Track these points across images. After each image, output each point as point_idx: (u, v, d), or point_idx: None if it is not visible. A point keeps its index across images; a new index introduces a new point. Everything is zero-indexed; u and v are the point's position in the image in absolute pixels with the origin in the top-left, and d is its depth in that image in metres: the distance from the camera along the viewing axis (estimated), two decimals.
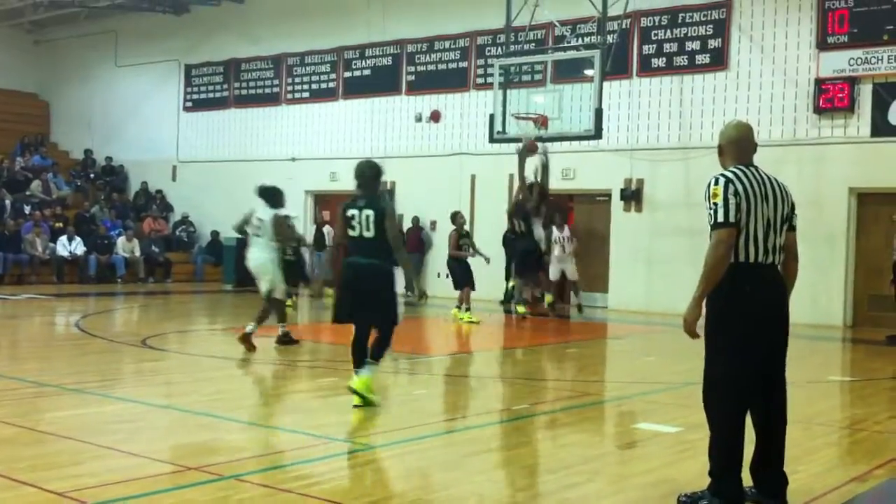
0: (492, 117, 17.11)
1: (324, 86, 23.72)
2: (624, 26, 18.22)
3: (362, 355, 7.65)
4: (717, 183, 4.86)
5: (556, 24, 18.34)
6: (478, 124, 20.09)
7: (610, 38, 16.78)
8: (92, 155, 28.31)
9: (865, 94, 16.37)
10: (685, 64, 18.29)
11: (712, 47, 18.00)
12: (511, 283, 17.02)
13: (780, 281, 5.02)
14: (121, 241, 23.52)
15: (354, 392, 7.49)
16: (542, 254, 15.98)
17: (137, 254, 23.53)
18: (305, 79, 24.09)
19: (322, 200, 23.49)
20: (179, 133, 26.70)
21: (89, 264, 22.56)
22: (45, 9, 27.49)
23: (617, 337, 15.21)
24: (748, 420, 5.04)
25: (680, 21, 18.40)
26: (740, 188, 4.82)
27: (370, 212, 7.57)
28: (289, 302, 17.04)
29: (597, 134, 16.14)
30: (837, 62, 16.53)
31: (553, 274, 18.16)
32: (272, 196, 11.56)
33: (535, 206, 15.27)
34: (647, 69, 18.74)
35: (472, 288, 16.13)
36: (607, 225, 19.24)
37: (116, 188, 27.40)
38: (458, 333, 14.79)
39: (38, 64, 29.79)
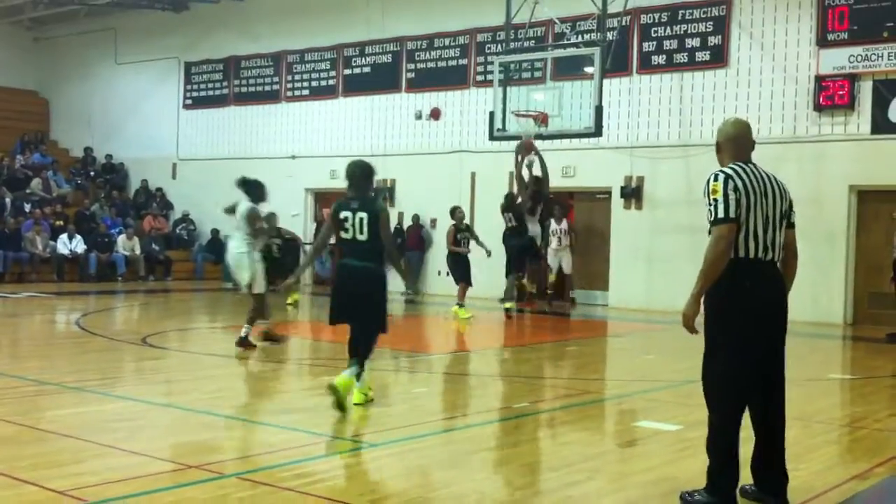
0: (492, 115, 17.12)
1: (324, 83, 23.71)
2: (624, 23, 18.21)
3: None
4: (716, 179, 4.87)
5: (556, 21, 18.34)
6: (478, 122, 20.09)
7: (610, 36, 16.78)
8: (92, 153, 28.31)
9: (865, 91, 16.37)
10: (685, 61, 18.29)
11: (712, 44, 18.00)
12: (522, 282, 16.98)
13: (779, 277, 5.03)
14: (121, 239, 23.52)
15: (338, 384, 7.23)
16: (538, 249, 15.91)
17: (138, 252, 23.52)
18: (305, 76, 24.08)
19: (322, 198, 23.49)
20: (179, 131, 26.69)
21: (90, 262, 22.56)
22: (45, 6, 27.50)
23: (617, 335, 15.22)
24: (746, 420, 5.05)
25: (680, 18, 18.40)
26: (740, 184, 4.82)
27: (364, 214, 7.46)
28: (290, 300, 17.08)
29: (597, 131, 16.14)
30: (837, 59, 16.52)
31: (552, 265, 18.29)
32: (252, 189, 11.30)
33: (531, 203, 15.16)
34: (647, 66, 18.73)
35: (469, 284, 16.09)
36: (607, 223, 19.24)
37: (116, 186, 27.40)
38: (458, 331, 14.80)
39: (37, 61, 29.77)
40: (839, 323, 16.39)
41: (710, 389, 4.98)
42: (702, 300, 4.88)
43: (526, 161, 15.57)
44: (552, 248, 17.98)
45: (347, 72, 23.25)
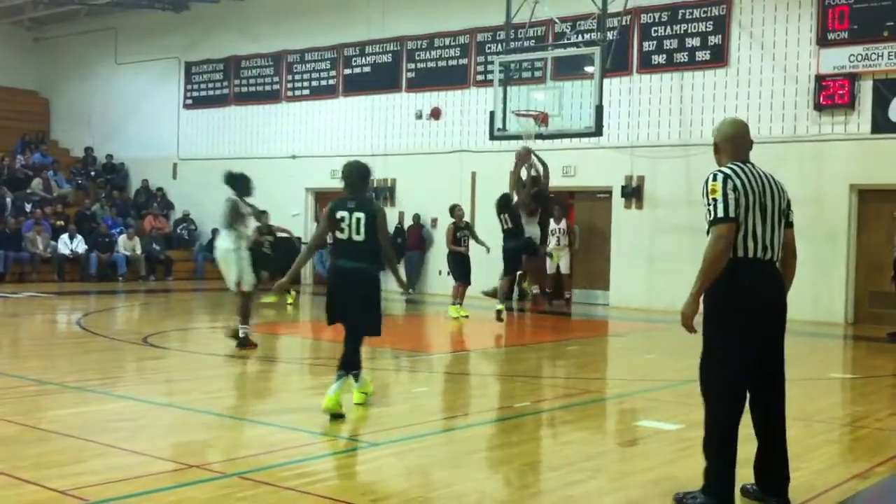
0: (492, 114, 17.11)
1: (324, 83, 23.72)
2: (624, 23, 18.21)
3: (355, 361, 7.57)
4: (714, 179, 4.86)
5: (557, 20, 18.34)
6: (478, 121, 20.09)
7: (610, 35, 16.77)
8: (92, 153, 28.31)
9: (866, 91, 16.37)
10: (685, 60, 18.29)
11: (712, 44, 18.00)
12: (524, 283, 16.87)
13: (778, 277, 5.02)
14: (122, 239, 23.53)
15: (326, 407, 7.09)
16: (536, 248, 15.62)
17: (138, 252, 23.53)
18: (305, 76, 24.08)
19: (322, 198, 23.45)
20: (180, 130, 26.69)
21: (90, 262, 22.56)
22: (45, 6, 27.51)
23: (618, 334, 15.22)
24: (747, 419, 5.04)
25: (680, 17, 18.40)
26: (738, 184, 4.82)
27: (361, 214, 7.33)
28: (290, 299, 17.06)
29: (597, 131, 16.13)
30: (838, 59, 16.52)
31: (549, 266, 18.25)
32: (237, 183, 11.05)
33: (526, 204, 14.93)
34: (647, 66, 18.74)
35: (468, 283, 16.05)
36: (608, 222, 19.24)
37: (117, 186, 27.41)
38: (458, 331, 14.80)
39: (38, 61, 29.78)
40: (840, 322, 16.39)
41: (708, 389, 4.96)
42: (701, 299, 4.88)
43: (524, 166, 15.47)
44: (551, 247, 17.97)
45: (348, 71, 23.25)
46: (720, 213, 4.78)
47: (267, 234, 17.06)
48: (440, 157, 21.38)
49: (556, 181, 19.53)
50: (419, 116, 21.81)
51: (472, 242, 16.54)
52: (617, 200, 19.06)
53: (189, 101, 26.58)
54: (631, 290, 18.63)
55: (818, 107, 16.68)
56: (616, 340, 14.57)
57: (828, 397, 9.54)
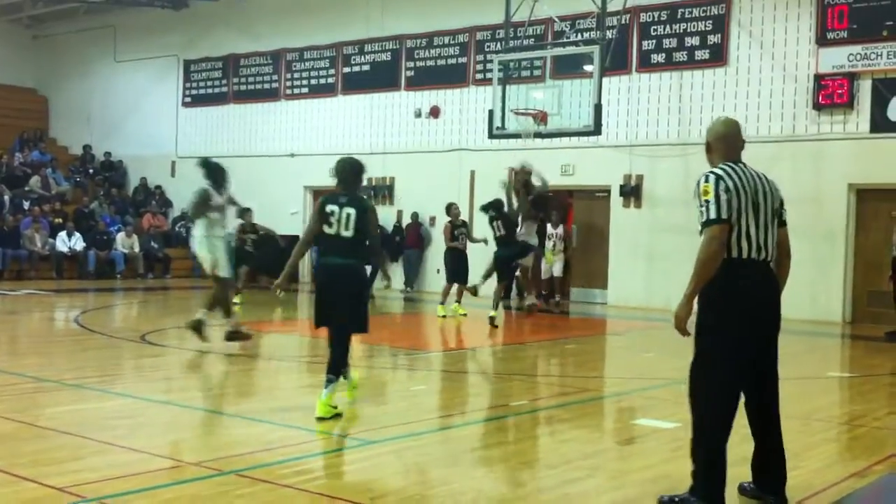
0: (491, 113, 17.11)
1: (323, 81, 23.71)
2: (623, 22, 18.20)
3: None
4: (707, 180, 4.83)
5: (556, 19, 18.34)
6: (477, 120, 20.08)
7: (609, 34, 16.75)
8: (91, 150, 28.29)
9: (865, 90, 16.37)
10: (684, 60, 18.29)
11: (711, 43, 18.00)
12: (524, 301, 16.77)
13: (772, 277, 4.99)
14: (120, 236, 23.52)
15: (321, 414, 7.00)
16: (528, 248, 15.24)
17: (137, 249, 23.52)
18: (304, 74, 24.07)
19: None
20: (178, 128, 26.68)
21: (88, 260, 22.56)
22: (44, 4, 27.51)
23: (616, 333, 15.23)
24: (744, 419, 5.03)
25: (679, 17, 18.40)
26: (731, 185, 4.79)
27: (351, 210, 7.24)
28: (237, 299, 16.89)
29: (596, 130, 16.12)
30: (837, 58, 16.53)
31: (544, 270, 18.21)
32: (211, 173, 10.87)
33: (527, 211, 14.80)
34: (646, 65, 18.74)
35: (465, 282, 16.01)
36: (606, 221, 19.25)
37: (115, 184, 27.39)
38: (457, 329, 14.80)
39: (36, 59, 29.77)
40: (838, 321, 16.40)
41: (699, 390, 4.90)
42: (694, 301, 4.85)
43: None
44: (547, 250, 17.90)
45: (347, 70, 23.25)
46: (713, 215, 4.75)
47: (250, 232, 16.98)
48: (439, 155, 21.38)
49: (555, 180, 19.56)
50: (418, 115, 21.79)
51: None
52: (615, 199, 19.07)
53: (188, 99, 26.57)
54: (629, 288, 18.63)
55: (817, 106, 16.68)
56: (614, 339, 14.57)
57: (826, 396, 9.55)
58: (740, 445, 5.15)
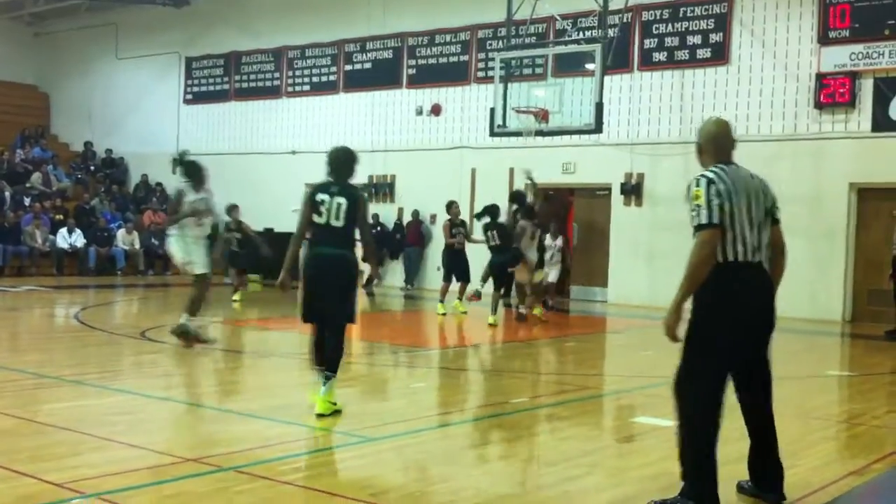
0: (492, 111, 17.11)
1: (324, 79, 23.71)
2: (625, 20, 18.21)
3: (323, 355, 7.13)
4: (698, 184, 4.77)
5: (557, 17, 18.33)
6: (478, 118, 20.08)
7: (611, 32, 16.77)
8: (92, 147, 28.30)
9: (866, 89, 16.37)
10: (686, 58, 18.28)
11: (713, 42, 17.99)
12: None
13: (767, 280, 4.93)
14: (121, 233, 23.53)
15: (320, 415, 6.93)
16: (521, 257, 15.15)
17: (137, 246, 23.53)
18: (306, 72, 24.07)
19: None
20: (180, 126, 26.68)
21: (89, 256, 22.58)
22: (46, 1, 27.51)
23: (616, 331, 15.23)
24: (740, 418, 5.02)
25: (681, 15, 18.39)
26: (722, 188, 4.73)
27: (343, 199, 7.06)
28: (237, 296, 16.86)
29: (597, 128, 16.13)
30: (838, 57, 16.52)
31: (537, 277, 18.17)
32: (188, 170, 10.64)
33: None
34: (647, 63, 18.73)
35: (464, 280, 15.97)
36: (607, 219, 19.25)
37: (116, 181, 27.40)
38: (457, 327, 14.80)
39: (38, 56, 29.77)
40: (838, 320, 16.40)
41: (687, 394, 4.81)
42: (686, 304, 4.80)
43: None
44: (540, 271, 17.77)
45: (348, 67, 23.24)
46: (703, 220, 4.69)
47: (235, 231, 16.94)
48: (440, 153, 21.37)
49: (556, 178, 19.62)
50: (419, 113, 21.78)
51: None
52: (616, 197, 19.07)
53: (189, 97, 26.57)
54: (630, 287, 18.63)
55: (819, 105, 16.67)
56: (614, 337, 14.58)
57: (825, 394, 9.55)
58: (737, 443, 5.15)
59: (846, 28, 16.44)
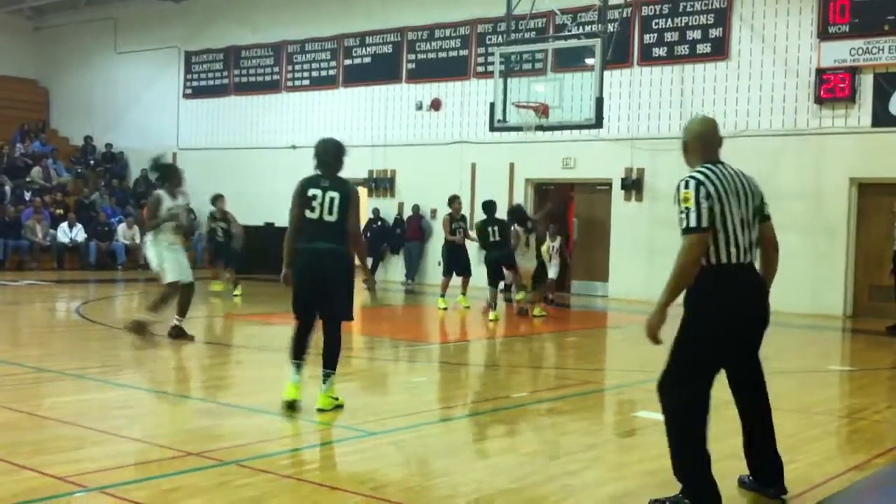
0: (492, 106, 17.08)
1: (324, 73, 23.68)
2: (625, 15, 18.20)
3: (303, 349, 7.05)
4: (687, 186, 4.70)
5: (557, 12, 18.30)
6: (478, 113, 20.07)
7: (611, 27, 16.74)
8: (92, 142, 28.28)
9: (866, 84, 16.35)
10: (686, 53, 18.27)
11: (713, 37, 17.97)
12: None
13: (760, 281, 4.91)
14: (121, 228, 23.53)
15: (321, 410, 6.92)
16: (513, 262, 15.16)
17: (137, 241, 23.48)
18: (305, 66, 24.05)
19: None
20: (179, 120, 26.67)
21: (90, 251, 22.58)
22: None
23: (617, 326, 15.23)
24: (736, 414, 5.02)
25: (681, 10, 18.37)
26: (712, 190, 4.67)
27: (336, 194, 6.93)
28: (236, 292, 16.85)
29: (597, 123, 16.11)
30: (838, 52, 16.50)
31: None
32: (163, 174, 10.58)
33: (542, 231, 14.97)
34: (647, 58, 18.71)
35: (464, 275, 15.97)
36: (607, 214, 19.24)
37: (116, 175, 27.40)
38: (459, 321, 14.81)
39: (37, 50, 29.73)
40: (839, 315, 16.39)
41: (678, 395, 4.80)
42: (677, 303, 4.78)
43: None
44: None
45: (348, 62, 23.22)
46: (692, 223, 4.64)
47: (221, 220, 16.92)
48: (440, 148, 21.36)
49: (556, 173, 19.62)
50: (419, 107, 21.79)
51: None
52: (617, 192, 19.06)
53: (189, 91, 26.55)
54: (630, 281, 18.62)
55: (818, 100, 16.66)
56: (615, 332, 14.58)
57: (826, 389, 9.56)
58: (737, 438, 5.15)
59: (846, 23, 16.42)
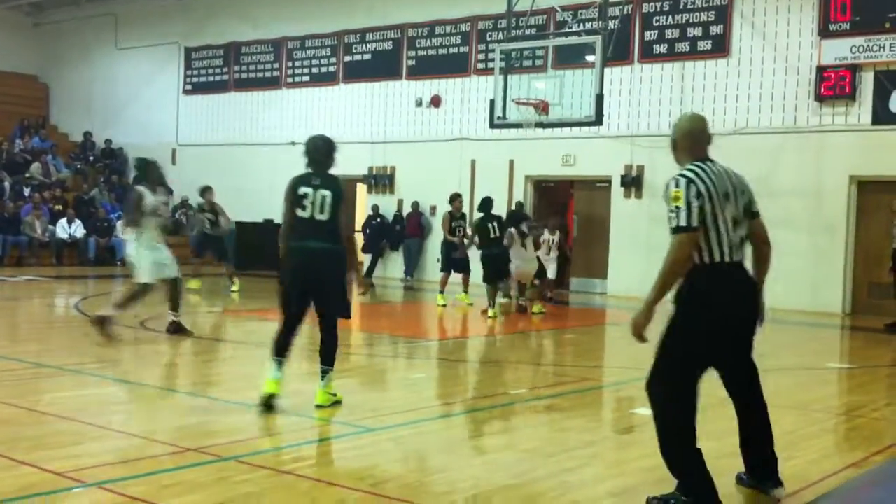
0: (492, 102, 17.07)
1: (324, 70, 23.68)
2: (626, 12, 18.20)
3: (285, 347, 6.96)
4: (677, 185, 4.70)
5: (558, 9, 18.29)
6: (478, 109, 20.07)
7: (611, 24, 16.73)
8: (91, 137, 28.26)
9: (867, 82, 16.35)
10: (686, 50, 18.27)
11: (714, 34, 17.97)
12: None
13: (752, 280, 4.89)
14: (120, 224, 23.47)
15: (319, 406, 6.91)
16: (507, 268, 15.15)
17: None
18: (306, 63, 24.04)
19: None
20: (179, 116, 26.66)
21: (89, 247, 22.58)
22: None
23: (615, 323, 15.21)
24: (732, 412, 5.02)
25: (682, 7, 18.37)
26: (703, 188, 4.65)
27: (327, 192, 6.87)
28: (234, 287, 16.84)
29: (597, 120, 16.09)
30: (839, 50, 16.50)
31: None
32: (143, 172, 10.50)
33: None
34: (648, 55, 18.71)
35: (468, 271, 15.92)
36: (607, 211, 19.25)
37: (116, 171, 27.39)
38: (458, 318, 14.81)
39: (38, 46, 29.73)
40: (838, 313, 16.40)
41: (668, 395, 4.78)
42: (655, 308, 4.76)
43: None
44: (540, 253, 17.82)
45: (348, 58, 23.21)
46: (682, 222, 4.63)
47: (209, 212, 16.90)
48: (440, 144, 21.36)
49: (556, 170, 19.63)
50: (419, 104, 21.79)
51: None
52: (616, 190, 19.07)
53: (189, 87, 26.54)
54: (629, 278, 18.59)
55: (819, 98, 16.66)
56: (613, 329, 14.57)
57: (824, 387, 9.56)
58: (733, 437, 5.14)
59: (847, 21, 16.42)
